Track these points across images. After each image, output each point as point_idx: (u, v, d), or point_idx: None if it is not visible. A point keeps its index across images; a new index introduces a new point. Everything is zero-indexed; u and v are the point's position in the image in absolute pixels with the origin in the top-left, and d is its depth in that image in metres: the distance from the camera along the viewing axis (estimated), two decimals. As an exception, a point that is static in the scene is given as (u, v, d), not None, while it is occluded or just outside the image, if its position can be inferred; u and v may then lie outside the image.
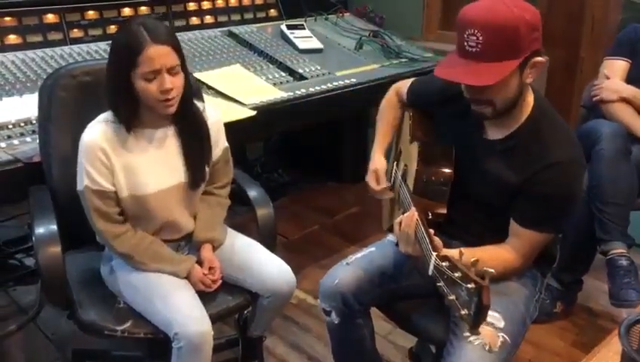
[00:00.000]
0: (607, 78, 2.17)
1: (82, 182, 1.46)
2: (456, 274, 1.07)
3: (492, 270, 1.03)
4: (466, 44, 1.25)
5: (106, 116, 1.49)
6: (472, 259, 1.08)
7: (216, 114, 1.64)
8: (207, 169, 1.60)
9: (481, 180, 1.41)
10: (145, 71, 1.38)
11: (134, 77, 1.39)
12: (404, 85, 1.67)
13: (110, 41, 2.32)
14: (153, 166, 1.51)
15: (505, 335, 1.34)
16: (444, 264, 1.11)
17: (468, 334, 1.31)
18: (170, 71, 1.40)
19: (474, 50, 1.24)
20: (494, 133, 1.40)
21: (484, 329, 1.32)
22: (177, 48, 1.42)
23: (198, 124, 1.55)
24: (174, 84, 1.41)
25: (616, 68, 2.19)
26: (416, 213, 1.27)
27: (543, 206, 1.33)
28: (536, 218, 1.34)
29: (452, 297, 1.07)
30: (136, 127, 1.49)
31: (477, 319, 1.03)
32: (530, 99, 1.36)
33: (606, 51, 2.30)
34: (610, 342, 1.20)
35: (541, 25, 1.28)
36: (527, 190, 1.33)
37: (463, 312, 1.04)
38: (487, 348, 1.31)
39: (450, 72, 1.30)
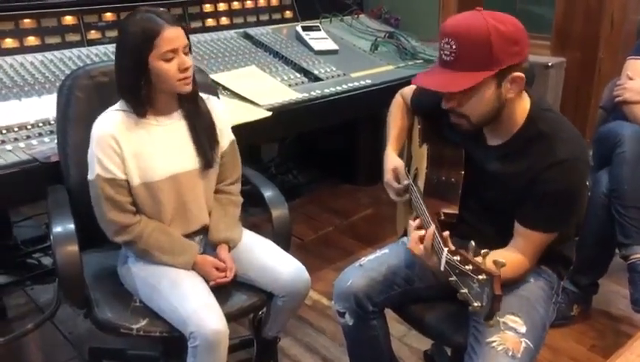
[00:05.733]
0: (631, 78, 2.13)
1: (94, 171, 1.48)
2: (467, 267, 1.07)
3: (503, 260, 1.03)
4: (442, 52, 1.28)
5: (115, 106, 1.53)
6: (483, 251, 1.07)
7: (220, 104, 1.69)
8: (216, 154, 1.61)
9: (488, 184, 1.40)
10: (164, 50, 1.43)
11: (152, 60, 1.44)
12: (409, 91, 1.68)
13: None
14: (163, 151, 1.53)
15: (527, 341, 1.32)
16: (455, 258, 1.11)
17: (490, 339, 1.31)
18: (184, 50, 1.47)
19: (448, 58, 1.26)
20: (493, 140, 1.40)
21: (506, 334, 1.31)
22: (186, 30, 1.49)
23: (203, 109, 1.60)
24: (189, 62, 1.48)
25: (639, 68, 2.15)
26: (432, 226, 1.26)
27: (546, 205, 1.31)
28: (540, 218, 1.33)
29: (464, 290, 1.07)
30: (147, 113, 1.52)
31: (490, 310, 1.02)
32: (523, 106, 1.34)
33: (630, 50, 2.26)
34: (632, 344, 1.17)
35: (525, 40, 1.27)
36: (531, 191, 1.32)
37: (476, 304, 1.04)
38: (510, 353, 1.29)
39: (425, 80, 1.34)
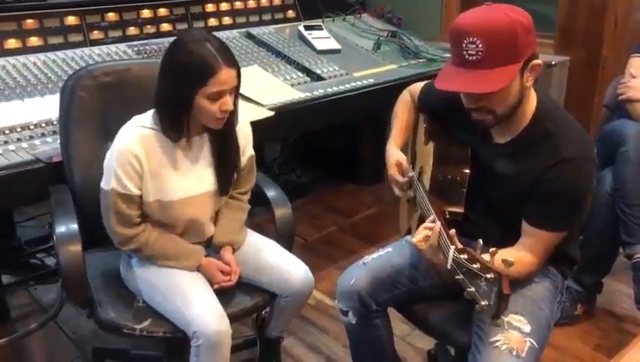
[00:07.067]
0: (634, 76, 2.12)
1: (109, 183, 1.46)
2: (475, 266, 1.07)
3: (512, 259, 1.03)
4: (465, 53, 1.23)
5: (143, 120, 1.49)
6: (491, 250, 1.07)
7: (247, 123, 1.65)
8: (234, 176, 1.61)
9: (494, 183, 1.40)
10: (212, 91, 1.39)
11: (198, 95, 1.40)
12: (417, 88, 1.67)
13: (130, 43, 2.41)
14: (184, 174, 1.52)
15: (532, 340, 1.32)
16: (462, 256, 1.10)
17: (494, 339, 1.31)
18: (230, 91, 1.43)
19: (474, 58, 1.23)
20: (499, 138, 1.39)
21: (510, 333, 1.31)
22: (240, 70, 1.45)
23: (231, 135, 1.56)
24: (231, 106, 1.44)
25: None
26: (438, 223, 1.26)
27: (552, 203, 1.31)
28: (547, 216, 1.33)
29: (471, 289, 1.06)
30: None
31: (498, 309, 1.02)
32: (532, 101, 1.34)
33: (633, 48, 2.25)
34: (637, 344, 1.17)
35: (533, 27, 1.27)
36: (537, 189, 1.31)
37: (483, 303, 1.04)
38: (514, 353, 1.28)
39: (453, 83, 1.28)
